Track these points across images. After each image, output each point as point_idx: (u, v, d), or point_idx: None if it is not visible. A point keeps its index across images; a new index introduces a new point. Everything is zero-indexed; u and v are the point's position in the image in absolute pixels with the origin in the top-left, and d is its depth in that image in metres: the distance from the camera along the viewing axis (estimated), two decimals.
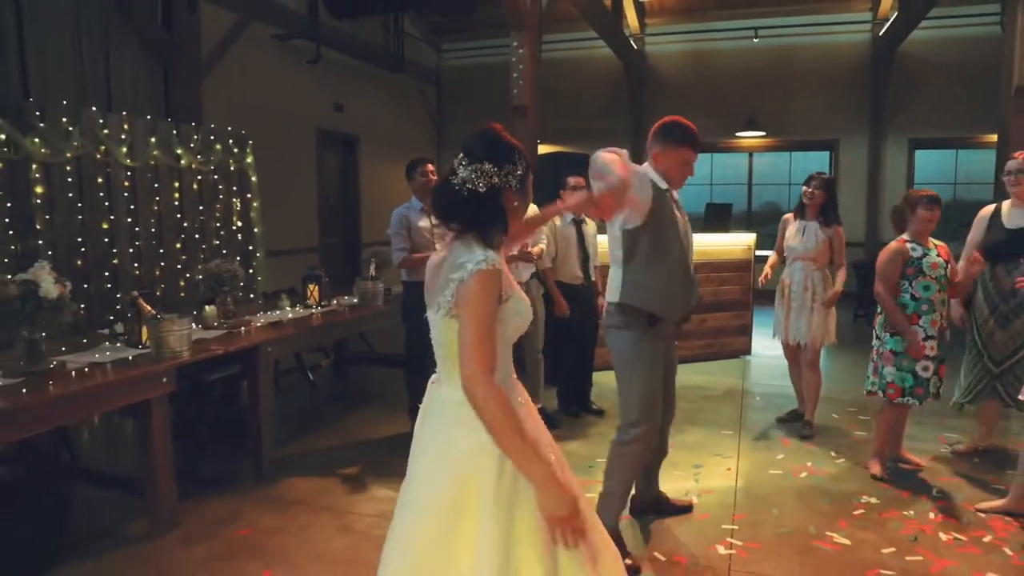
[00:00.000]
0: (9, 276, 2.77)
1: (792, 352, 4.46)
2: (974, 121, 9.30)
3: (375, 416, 4.75)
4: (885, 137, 9.89)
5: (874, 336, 3.64)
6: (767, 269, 4.52)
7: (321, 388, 5.60)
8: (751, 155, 10.67)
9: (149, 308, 3.15)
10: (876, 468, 3.64)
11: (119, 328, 3.43)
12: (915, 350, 3.42)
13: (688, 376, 5.52)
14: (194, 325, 3.86)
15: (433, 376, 1.74)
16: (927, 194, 3.48)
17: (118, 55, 6.37)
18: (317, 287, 4.56)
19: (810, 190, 4.24)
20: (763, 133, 10.02)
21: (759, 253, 6.45)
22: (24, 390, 2.56)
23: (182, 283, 5.64)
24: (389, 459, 3.95)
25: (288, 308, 4.42)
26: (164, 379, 2.95)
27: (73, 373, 2.79)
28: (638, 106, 10.69)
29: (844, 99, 9.93)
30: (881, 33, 9.49)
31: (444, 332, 1.60)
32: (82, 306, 4.83)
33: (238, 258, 6.22)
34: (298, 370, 5.59)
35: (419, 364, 4.32)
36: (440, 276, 1.60)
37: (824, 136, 10.13)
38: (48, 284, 2.70)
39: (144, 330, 3.21)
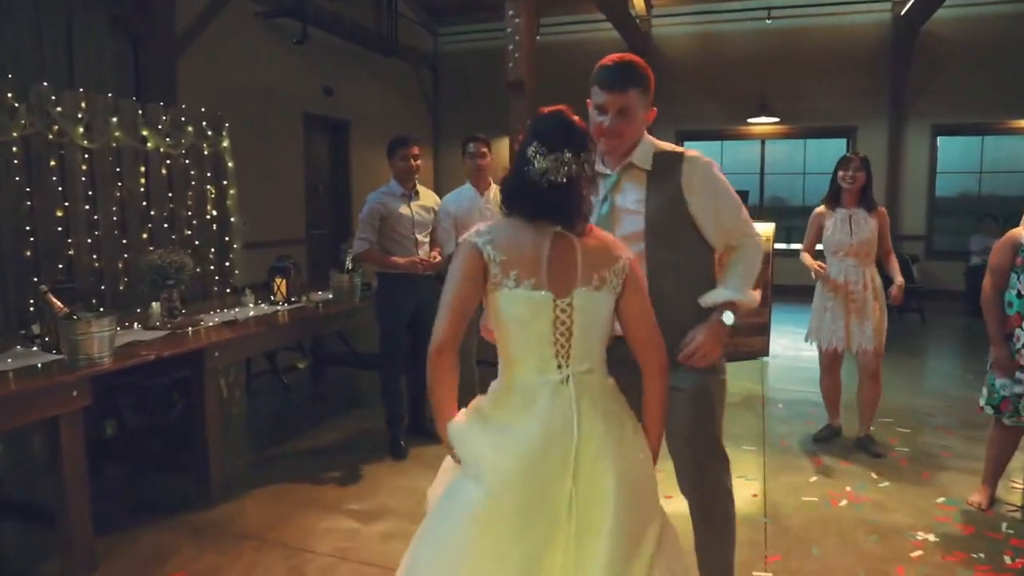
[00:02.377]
0: None
1: (833, 360, 3.86)
2: (1002, 106, 8.75)
3: (352, 424, 4.23)
4: (905, 123, 9.32)
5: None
6: (813, 262, 3.84)
7: (296, 392, 5.08)
8: (763, 143, 10.11)
9: (60, 305, 2.62)
10: (977, 496, 3.11)
11: (36, 329, 2.91)
12: (1000, 365, 2.89)
13: None
14: (136, 325, 3.36)
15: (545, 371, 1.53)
16: None
17: (82, 28, 5.85)
18: (285, 281, 4.03)
19: (850, 173, 3.65)
20: (776, 119, 9.45)
21: (777, 246, 5.97)
22: None
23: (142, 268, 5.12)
24: (361, 478, 3.43)
25: (251, 305, 3.89)
26: (75, 392, 2.42)
27: None
28: None
29: (862, 83, 9.36)
30: (902, 13, 8.90)
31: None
32: (31, 302, 4.35)
33: (212, 250, 5.74)
34: (271, 372, 5.08)
35: (393, 367, 3.81)
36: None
37: (841, 122, 9.55)
38: None
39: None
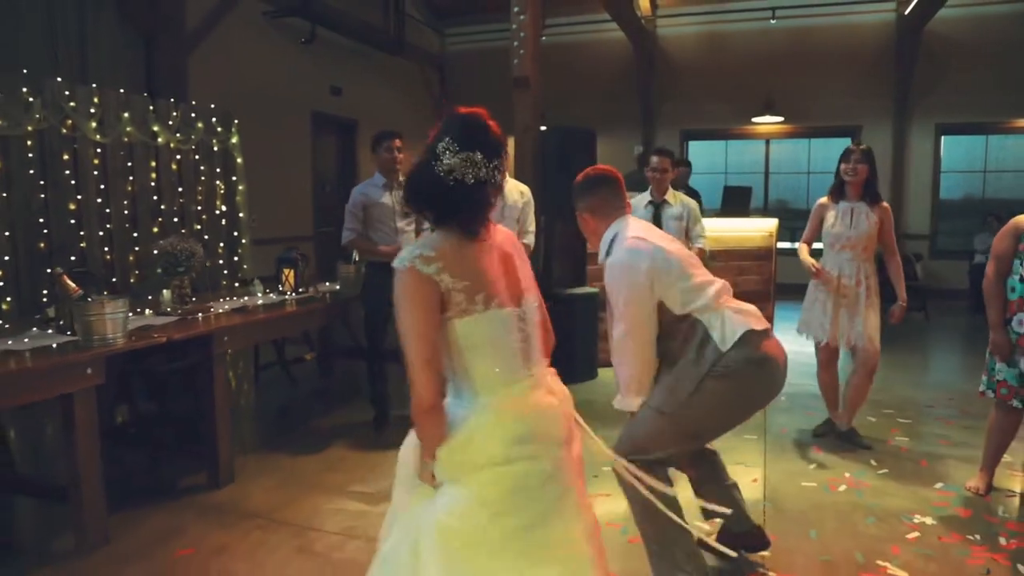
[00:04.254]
0: None
1: (829, 356, 3.85)
2: (1005, 105, 8.78)
3: (358, 415, 4.28)
4: (910, 122, 9.35)
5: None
6: (810, 259, 3.77)
7: (303, 384, 5.14)
8: (768, 142, 10.15)
9: (75, 287, 2.70)
10: (975, 482, 3.14)
11: (51, 313, 2.99)
12: (998, 349, 2.93)
13: None
14: (148, 311, 3.43)
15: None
16: None
17: (95, 25, 5.95)
18: (293, 271, 4.10)
19: (851, 165, 3.61)
20: (781, 119, 9.48)
21: (780, 245, 5.98)
22: None
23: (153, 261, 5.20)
24: (367, 464, 3.49)
25: (259, 294, 3.96)
26: (89, 370, 2.49)
27: None
28: (649, 90, 10.19)
29: (866, 82, 9.39)
30: (906, 12, 8.93)
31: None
32: (44, 292, 4.43)
33: (221, 245, 5.82)
34: (279, 364, 5.15)
35: (377, 349, 3.96)
36: None
37: (845, 122, 9.58)
38: None
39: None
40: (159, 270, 3.53)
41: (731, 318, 2.11)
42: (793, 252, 7.79)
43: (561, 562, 1.46)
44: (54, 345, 2.62)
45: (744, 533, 2.50)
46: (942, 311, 8.10)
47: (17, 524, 2.99)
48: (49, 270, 4.50)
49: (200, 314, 3.32)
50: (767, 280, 5.92)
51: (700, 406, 2.08)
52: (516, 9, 5.20)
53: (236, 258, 6.16)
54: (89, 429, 2.54)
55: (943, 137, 9.40)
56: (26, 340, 2.67)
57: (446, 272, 1.42)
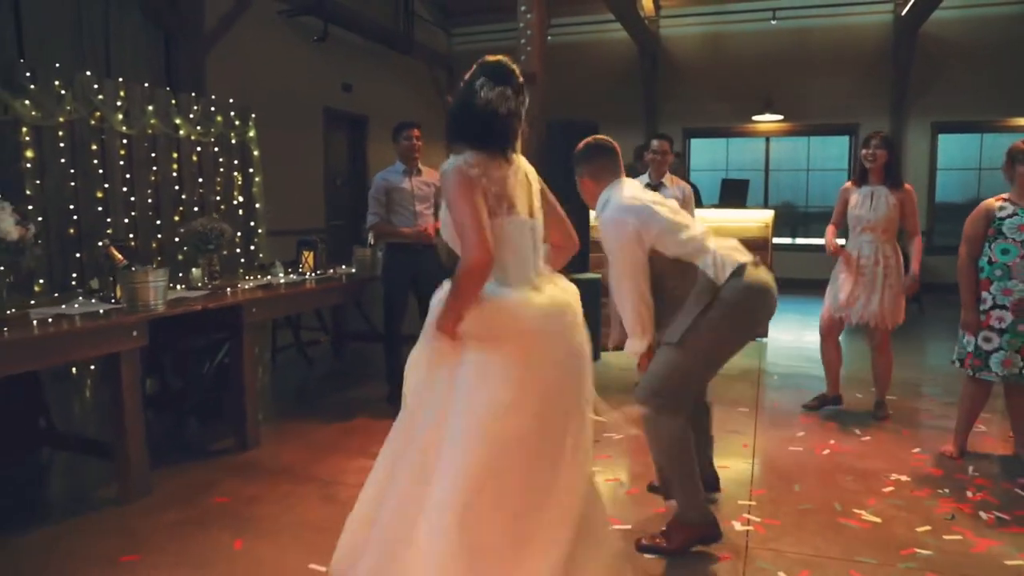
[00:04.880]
0: None
1: (829, 326, 4.05)
2: (1000, 104, 8.97)
3: (372, 392, 4.52)
4: (907, 121, 9.55)
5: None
6: (831, 239, 3.96)
7: (318, 365, 5.39)
8: (768, 140, 10.37)
9: (121, 257, 2.95)
10: (948, 446, 3.36)
11: (94, 285, 3.23)
12: (967, 324, 3.15)
13: None
14: (179, 287, 3.67)
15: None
16: (1019, 149, 3.10)
17: (119, 22, 6.22)
18: (312, 254, 4.35)
19: (871, 151, 3.82)
20: (780, 117, 9.71)
21: (777, 241, 6.17)
22: None
23: (174, 248, 5.45)
24: (383, 431, 3.71)
25: (281, 274, 4.21)
26: (135, 332, 2.74)
27: (35, 322, 2.59)
28: (652, 90, 10.41)
29: (864, 82, 9.60)
30: (903, 13, 9.15)
31: None
32: (74, 275, 4.69)
33: (239, 234, 6.06)
34: (295, 347, 5.39)
35: (394, 327, 4.21)
36: None
37: (844, 120, 9.80)
38: (7, 224, 2.50)
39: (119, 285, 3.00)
40: (189, 249, 3.76)
41: (721, 255, 2.39)
42: (791, 247, 8.01)
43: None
44: (101, 311, 2.87)
45: (704, 474, 2.75)
46: (937, 304, 8.29)
47: (61, 478, 3.24)
48: (78, 255, 4.77)
49: (228, 289, 3.57)
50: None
51: (708, 333, 2.33)
52: (523, 8, 5.45)
53: (252, 247, 6.41)
54: (134, 386, 2.78)
55: (939, 135, 9.61)
56: (76, 306, 2.92)
57: (484, 177, 1.71)
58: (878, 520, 2.66)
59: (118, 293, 2.99)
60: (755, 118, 9.89)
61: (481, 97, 1.74)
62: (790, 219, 10.10)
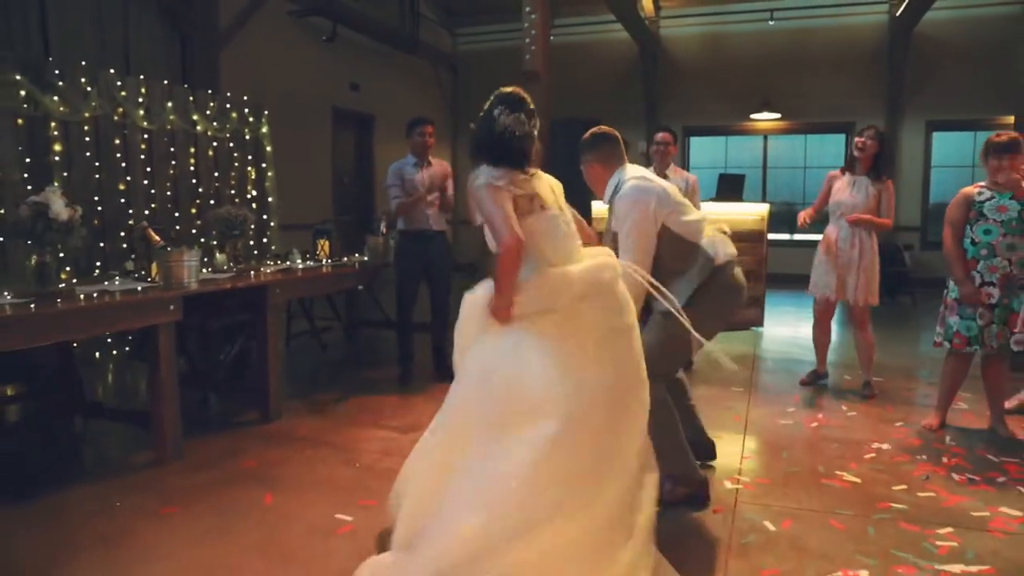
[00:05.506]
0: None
1: (824, 310, 4.31)
2: (992, 103, 9.16)
3: (384, 374, 4.75)
4: (902, 119, 9.77)
5: (946, 288, 3.55)
6: (804, 215, 4.25)
7: (331, 351, 5.61)
8: (766, 138, 10.58)
9: (157, 238, 3.17)
10: (930, 419, 3.58)
11: (129, 266, 3.46)
12: (966, 295, 3.35)
13: None
14: (206, 270, 3.90)
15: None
16: (996, 142, 3.33)
17: (137, 21, 6.45)
18: (327, 242, 4.57)
19: (863, 139, 4.07)
20: (778, 115, 9.92)
21: (773, 237, 6.37)
22: (33, 307, 2.58)
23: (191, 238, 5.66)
24: (396, 406, 3.95)
25: (299, 261, 4.43)
26: (171, 307, 2.97)
27: (82, 296, 2.81)
28: (653, 89, 10.64)
29: (860, 81, 9.82)
30: (898, 14, 9.37)
31: None
32: (98, 264, 4.90)
33: (252, 227, 6.27)
34: (309, 333, 5.61)
35: (405, 312, 4.44)
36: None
37: (840, 119, 10.02)
38: (58, 206, 2.72)
39: (154, 265, 3.23)
40: (215, 235, 3.99)
41: (718, 239, 2.64)
42: (789, 243, 8.21)
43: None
44: (139, 288, 3.09)
45: (698, 442, 2.97)
46: (929, 297, 8.49)
47: (99, 445, 3.46)
48: (102, 244, 4.99)
49: (252, 272, 3.79)
50: (759, 261, 6.35)
51: (697, 308, 2.55)
52: (527, 9, 5.66)
53: (265, 239, 6.63)
54: (170, 357, 3.01)
55: (934, 134, 9.83)
56: (117, 282, 3.14)
57: (512, 185, 2.01)
58: (858, 480, 2.88)
59: (153, 272, 3.21)
60: (753, 117, 10.11)
61: (500, 123, 2.04)
62: (788, 216, 10.32)
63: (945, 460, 3.10)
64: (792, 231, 10.35)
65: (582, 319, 1.99)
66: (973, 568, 2.16)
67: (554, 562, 1.76)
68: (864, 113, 9.84)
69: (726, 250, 2.64)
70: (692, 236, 2.61)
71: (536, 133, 2.11)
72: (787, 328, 6.40)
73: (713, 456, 3.06)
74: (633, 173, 2.71)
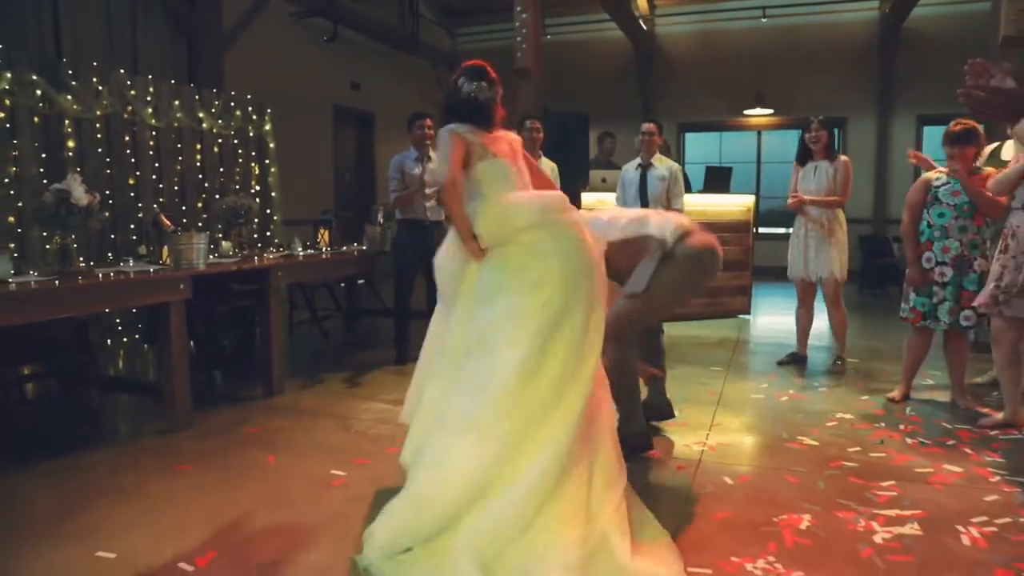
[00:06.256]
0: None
1: (805, 290, 4.59)
2: None
3: (382, 356, 4.99)
4: (893, 114, 9.96)
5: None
6: (795, 200, 4.55)
7: (332, 337, 5.86)
8: (759, 133, 10.79)
9: (168, 223, 3.42)
10: (895, 392, 3.81)
11: (142, 251, 3.71)
12: (911, 279, 3.59)
13: (684, 329, 5.70)
14: (212, 256, 4.14)
15: None
16: (949, 132, 3.61)
17: (144, 24, 6.71)
18: (328, 231, 4.82)
19: (813, 133, 4.45)
20: (771, 111, 10.13)
21: (766, 231, 6.56)
22: (57, 283, 2.83)
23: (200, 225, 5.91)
24: (391, 384, 4.19)
25: (300, 249, 4.67)
26: (181, 285, 3.21)
27: (100, 275, 3.06)
28: (648, 86, 10.85)
29: (852, 77, 10.02)
30: (887, 10, 9.56)
31: None
32: (109, 255, 5.16)
33: (256, 221, 6.52)
34: (310, 322, 5.86)
35: (403, 296, 4.67)
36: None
37: (832, 113, 10.09)
38: (79, 192, 2.97)
39: (164, 250, 3.47)
40: (221, 221, 4.24)
41: (660, 221, 2.89)
42: (784, 236, 8.45)
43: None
44: (151, 269, 3.34)
45: (659, 404, 3.28)
46: None
47: (113, 415, 3.72)
48: (113, 236, 5.25)
49: (256, 257, 4.04)
50: (746, 251, 6.57)
51: (660, 291, 2.80)
52: (519, 8, 5.90)
53: (269, 233, 6.88)
54: (180, 331, 3.25)
55: (924, 127, 10.02)
56: (131, 263, 3.39)
57: (470, 134, 2.29)
58: (816, 444, 3.10)
59: (164, 256, 3.46)
60: (747, 112, 10.31)
61: (464, 90, 2.35)
62: (784, 212, 10.50)
63: (902, 427, 3.32)
64: (788, 224, 10.54)
65: (542, 246, 2.16)
66: (907, 512, 2.38)
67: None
68: (855, 108, 10.05)
69: (677, 224, 2.88)
70: (633, 232, 2.87)
71: (498, 98, 2.38)
72: (774, 316, 6.62)
73: (671, 415, 3.35)
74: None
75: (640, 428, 2.91)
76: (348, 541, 2.17)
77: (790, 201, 4.58)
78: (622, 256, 2.85)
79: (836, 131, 4.52)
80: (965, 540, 2.19)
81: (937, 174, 3.67)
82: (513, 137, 2.46)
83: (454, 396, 2.07)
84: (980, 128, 3.61)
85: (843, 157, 4.49)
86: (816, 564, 2.03)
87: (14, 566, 2.06)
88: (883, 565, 2.03)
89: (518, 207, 2.24)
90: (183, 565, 2.02)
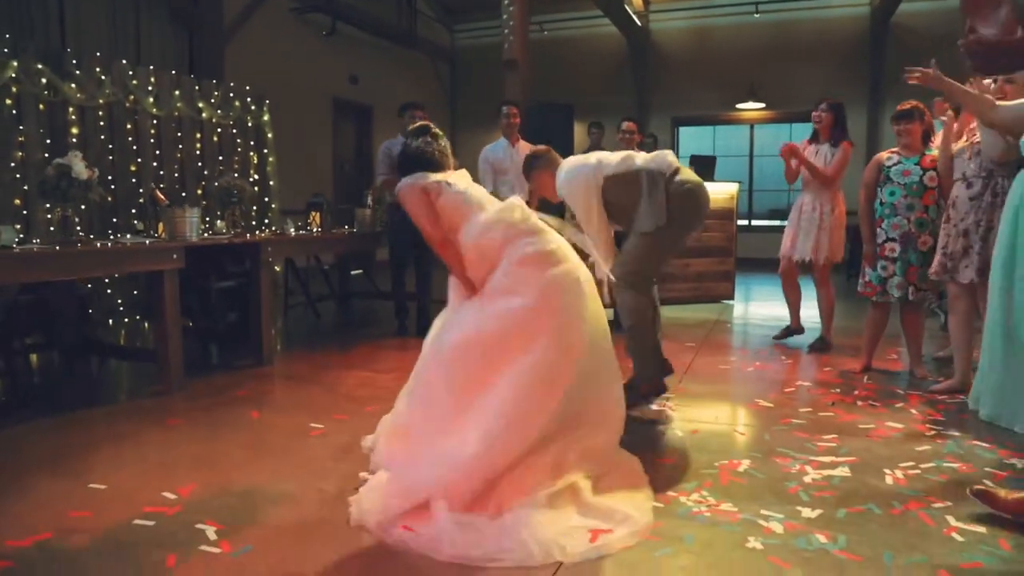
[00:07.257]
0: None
1: (786, 267, 4.73)
2: None
3: (373, 333, 5.20)
4: (884, 106, 10.09)
5: None
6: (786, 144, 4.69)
7: (325, 319, 6.06)
8: (752, 127, 10.95)
9: (163, 198, 3.63)
10: (853, 365, 3.98)
11: (140, 226, 3.92)
12: (866, 255, 3.79)
13: (667, 311, 5.86)
14: (207, 234, 4.35)
15: None
16: (896, 111, 3.81)
17: (147, 17, 6.94)
18: (319, 213, 5.02)
19: (818, 113, 4.53)
20: (763, 105, 10.29)
21: (759, 223, 6.71)
22: (57, 248, 3.04)
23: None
24: (379, 356, 4.40)
25: (292, 229, 4.88)
26: (174, 255, 3.43)
27: (98, 244, 3.27)
28: (642, 81, 11.03)
29: (843, 71, 10.17)
30: (877, 4, 9.71)
31: None
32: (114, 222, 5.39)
33: (254, 208, 6.74)
34: (304, 304, 6.06)
35: (400, 272, 4.90)
36: None
37: None
38: (79, 167, 3.18)
39: (160, 225, 3.68)
40: (215, 201, 4.46)
41: (651, 156, 3.11)
42: (777, 229, 8.59)
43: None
44: (147, 241, 3.55)
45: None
46: None
47: (110, 379, 3.94)
48: (115, 219, 5.47)
49: (248, 235, 4.25)
50: (730, 237, 6.74)
51: (670, 226, 3.01)
52: (506, 2, 6.09)
53: (267, 220, 7.09)
54: (173, 299, 3.46)
55: None
56: (128, 236, 3.61)
57: (422, 178, 2.49)
58: (771, 405, 3.29)
59: (160, 230, 3.67)
60: (740, 106, 10.49)
61: (411, 148, 2.58)
62: (781, 212, 10.67)
63: (856, 392, 3.50)
64: (779, 217, 10.71)
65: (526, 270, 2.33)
66: (841, 459, 2.56)
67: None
68: (847, 101, 10.08)
69: (667, 160, 3.09)
70: (627, 167, 3.08)
71: (444, 146, 2.61)
72: (756, 303, 6.79)
73: (671, 371, 3.47)
74: (565, 165, 3.20)
75: (656, 371, 3.18)
76: (319, 476, 2.37)
77: (782, 148, 4.67)
78: (619, 190, 3.06)
79: (844, 115, 4.61)
80: (888, 480, 2.37)
81: (889, 154, 3.84)
82: (464, 173, 2.67)
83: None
84: (923, 107, 3.79)
85: (846, 144, 4.51)
86: (745, 498, 2.22)
87: (15, 491, 2.27)
88: (807, 498, 2.22)
89: (488, 226, 2.40)
90: (166, 494, 2.23)
